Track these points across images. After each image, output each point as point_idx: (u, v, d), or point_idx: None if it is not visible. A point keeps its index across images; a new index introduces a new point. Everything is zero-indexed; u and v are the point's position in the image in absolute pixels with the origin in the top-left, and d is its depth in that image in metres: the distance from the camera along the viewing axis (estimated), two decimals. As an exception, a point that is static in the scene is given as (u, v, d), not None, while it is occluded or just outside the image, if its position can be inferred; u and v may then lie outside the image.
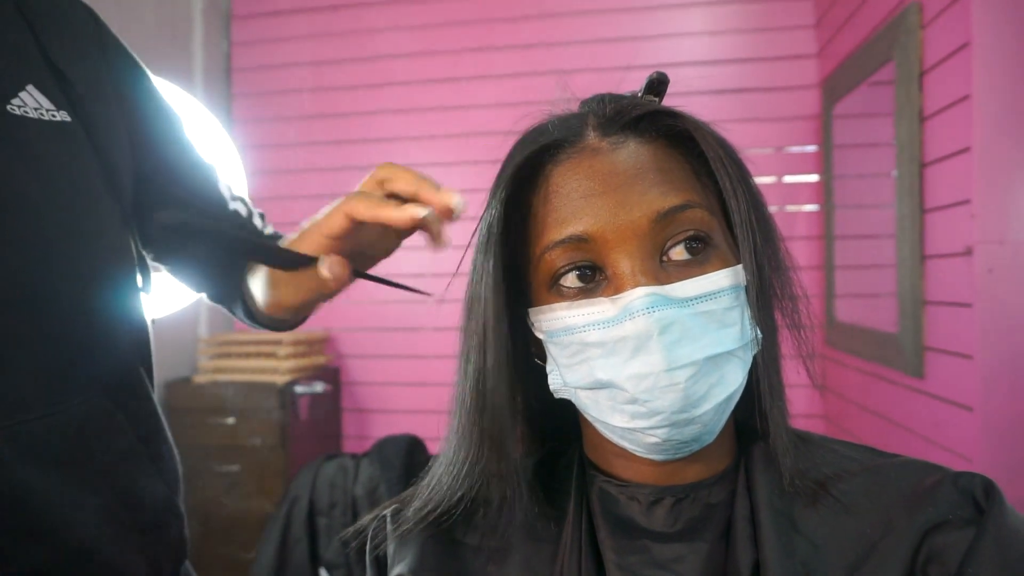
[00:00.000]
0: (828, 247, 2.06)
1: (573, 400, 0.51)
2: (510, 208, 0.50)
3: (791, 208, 2.19)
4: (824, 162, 2.08)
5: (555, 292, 0.49)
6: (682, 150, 0.50)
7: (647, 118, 0.50)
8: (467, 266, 0.53)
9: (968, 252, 1.26)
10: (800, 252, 2.18)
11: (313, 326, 2.44)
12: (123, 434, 0.63)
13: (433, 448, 2.21)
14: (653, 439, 0.47)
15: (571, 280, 0.48)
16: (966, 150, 1.26)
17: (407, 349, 2.38)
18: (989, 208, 1.23)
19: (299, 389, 2.09)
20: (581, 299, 0.48)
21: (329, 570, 1.84)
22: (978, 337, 1.24)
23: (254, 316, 0.75)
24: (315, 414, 2.21)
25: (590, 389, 0.49)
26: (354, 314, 2.42)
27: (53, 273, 0.57)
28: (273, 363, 2.07)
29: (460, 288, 0.54)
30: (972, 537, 0.45)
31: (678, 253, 0.47)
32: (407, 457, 1.93)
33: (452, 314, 0.55)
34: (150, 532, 0.65)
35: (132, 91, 0.71)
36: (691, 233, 0.47)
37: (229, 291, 0.75)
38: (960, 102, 1.28)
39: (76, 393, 0.57)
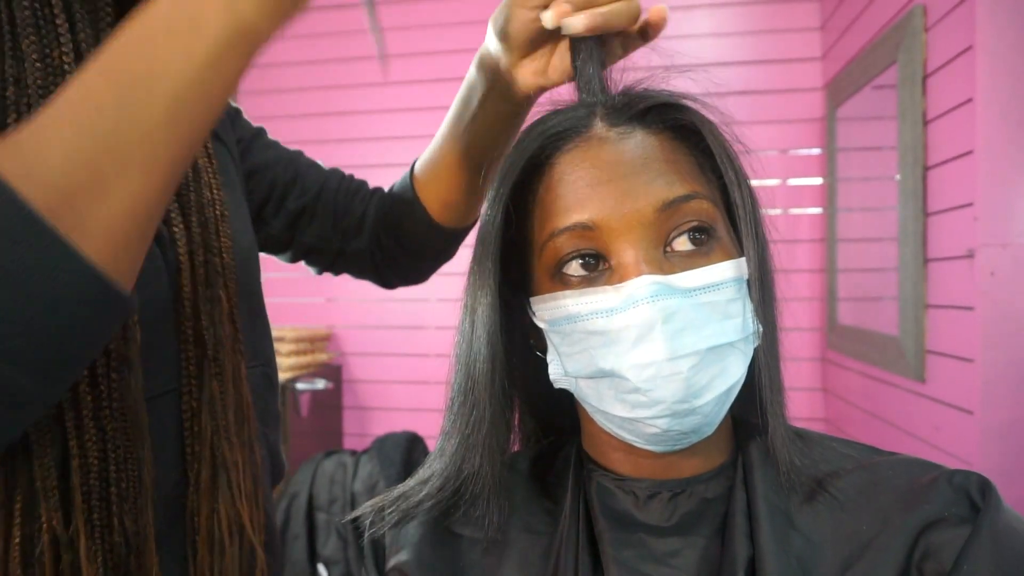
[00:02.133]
0: (831, 250, 2.06)
1: (573, 390, 0.51)
2: (516, 196, 0.51)
3: (795, 211, 2.19)
4: (828, 165, 2.08)
5: (558, 280, 0.49)
6: (688, 143, 0.51)
7: (655, 110, 0.50)
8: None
9: (970, 255, 1.26)
10: (803, 255, 2.18)
11: (316, 323, 2.45)
12: (275, 401, 0.73)
13: (433, 446, 2.21)
14: (653, 429, 0.47)
15: (575, 268, 0.48)
16: (969, 153, 1.26)
17: (408, 347, 2.39)
18: (991, 211, 1.23)
19: (300, 386, 2.09)
20: (584, 287, 0.48)
21: (327, 566, 1.84)
22: (979, 341, 1.24)
23: (427, 224, 0.79)
24: (316, 411, 2.21)
25: (591, 378, 0.49)
26: (356, 312, 2.43)
27: (252, 277, 0.70)
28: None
29: (461, 287, 0.54)
30: (967, 534, 0.44)
31: (682, 243, 0.47)
32: (406, 454, 1.93)
33: (453, 313, 0.55)
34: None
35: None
36: (695, 224, 0.47)
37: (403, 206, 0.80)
38: (963, 105, 1.28)
39: (256, 359, 0.69)
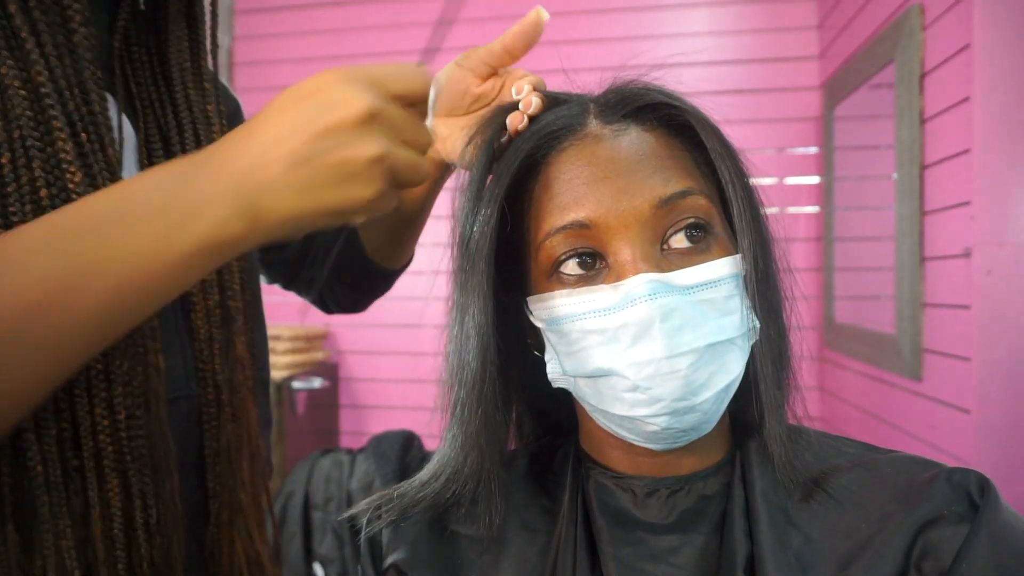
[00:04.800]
0: (828, 249, 2.06)
1: (572, 389, 0.51)
2: (510, 195, 0.50)
3: (792, 210, 2.19)
4: (825, 164, 2.08)
5: (555, 280, 0.49)
6: (682, 140, 0.50)
7: (649, 107, 0.50)
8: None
9: (967, 254, 1.26)
10: (800, 254, 2.18)
11: (312, 321, 2.44)
12: (267, 403, 0.74)
13: (430, 444, 2.21)
14: (653, 427, 0.47)
15: (571, 267, 0.48)
16: (966, 152, 1.26)
17: (406, 345, 2.38)
18: (988, 210, 1.23)
19: (297, 385, 2.08)
20: (581, 286, 0.48)
21: (323, 565, 1.84)
22: (976, 339, 1.24)
23: (367, 270, 0.82)
24: (312, 410, 2.21)
25: (590, 377, 0.48)
26: (353, 310, 2.42)
27: (253, 280, 0.68)
28: (271, 358, 2.07)
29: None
30: (966, 533, 0.44)
31: (678, 240, 0.47)
32: (403, 452, 1.93)
33: (450, 310, 0.55)
34: None
35: None
36: (692, 220, 0.47)
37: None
38: (960, 104, 1.28)
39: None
